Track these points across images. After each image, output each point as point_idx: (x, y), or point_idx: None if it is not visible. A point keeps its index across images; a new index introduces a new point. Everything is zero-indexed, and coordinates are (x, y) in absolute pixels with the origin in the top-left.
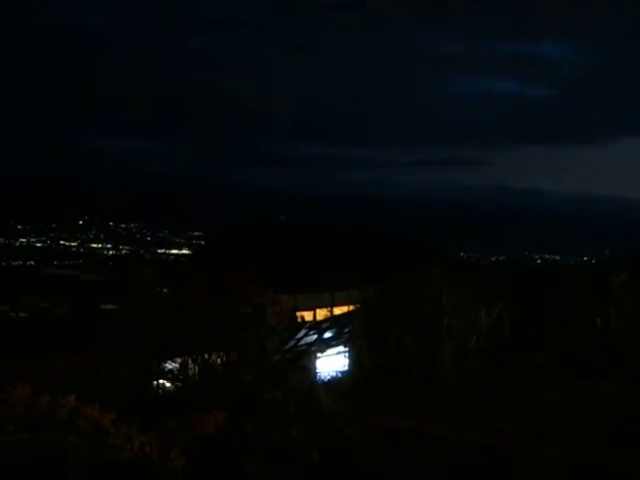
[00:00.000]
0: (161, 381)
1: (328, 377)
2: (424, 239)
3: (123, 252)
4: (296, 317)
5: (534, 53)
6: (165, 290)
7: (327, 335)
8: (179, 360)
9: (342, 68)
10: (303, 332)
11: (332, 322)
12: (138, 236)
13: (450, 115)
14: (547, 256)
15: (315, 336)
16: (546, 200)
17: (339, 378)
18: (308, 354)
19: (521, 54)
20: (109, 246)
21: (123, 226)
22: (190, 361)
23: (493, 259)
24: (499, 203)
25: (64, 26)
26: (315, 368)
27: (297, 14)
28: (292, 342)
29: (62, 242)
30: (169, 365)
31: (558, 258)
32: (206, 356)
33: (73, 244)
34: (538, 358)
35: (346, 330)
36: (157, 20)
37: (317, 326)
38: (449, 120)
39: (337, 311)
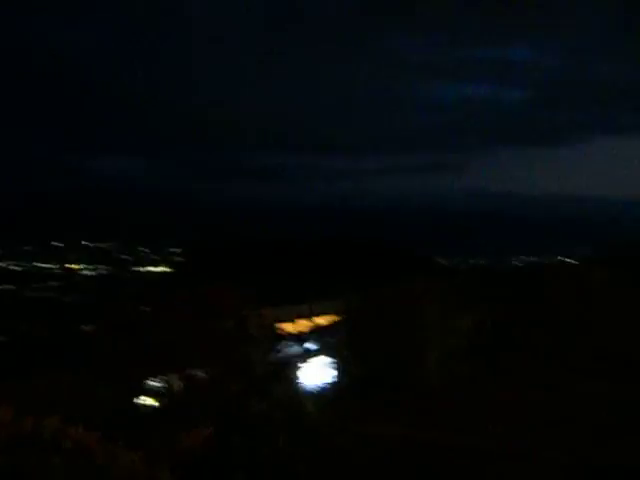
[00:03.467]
0: (146, 399)
1: (314, 388)
2: (406, 246)
3: (101, 272)
4: (277, 329)
5: (504, 57)
6: (146, 308)
7: (310, 346)
8: (163, 377)
9: (315, 79)
10: (285, 343)
11: (315, 333)
12: (115, 255)
13: (424, 121)
14: (525, 257)
15: (298, 347)
16: (523, 202)
17: (325, 388)
18: (292, 365)
19: (491, 59)
20: (87, 266)
21: (100, 245)
22: (174, 377)
23: (472, 262)
24: (479, 207)
25: (51, 46)
26: (299, 379)
27: (268, 29)
28: (275, 354)
29: (38, 264)
30: (153, 382)
31: (536, 259)
32: (190, 372)
33: (51, 266)
34: (521, 358)
35: (330, 340)
36: (136, 39)
37: (299, 337)
38: (424, 126)
39: (320, 321)
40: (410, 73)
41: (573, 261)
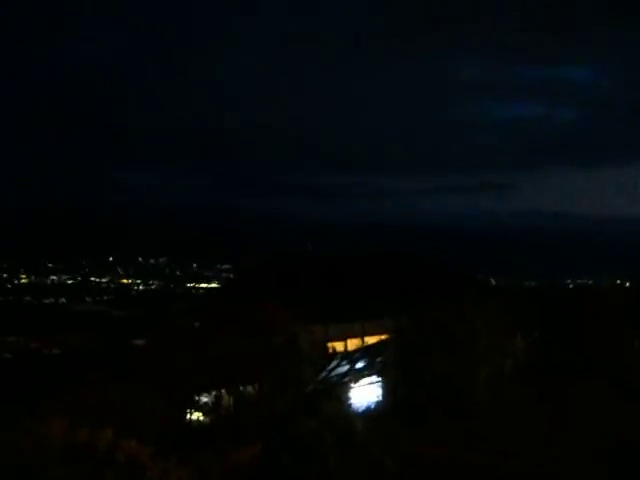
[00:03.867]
0: (196, 414)
1: (363, 407)
2: (456, 266)
3: (153, 287)
4: (327, 347)
5: (555, 76)
6: (197, 323)
7: (360, 365)
8: (213, 392)
9: (365, 96)
10: (335, 362)
11: (364, 352)
12: (167, 270)
13: (475, 140)
14: (579, 281)
15: (348, 366)
16: (578, 223)
17: (374, 408)
18: (342, 384)
19: (541, 78)
20: (138, 281)
21: (152, 261)
22: (224, 393)
23: (526, 284)
24: (530, 227)
25: (86, 63)
26: (349, 398)
27: (303, 44)
28: (325, 372)
29: (92, 278)
30: (204, 398)
31: (590, 282)
32: (240, 387)
33: (103, 280)
34: (575, 382)
35: (379, 360)
36: (173, 54)
37: (349, 356)
38: (474, 145)
39: (370, 340)
40: (460, 92)
41: (629, 284)
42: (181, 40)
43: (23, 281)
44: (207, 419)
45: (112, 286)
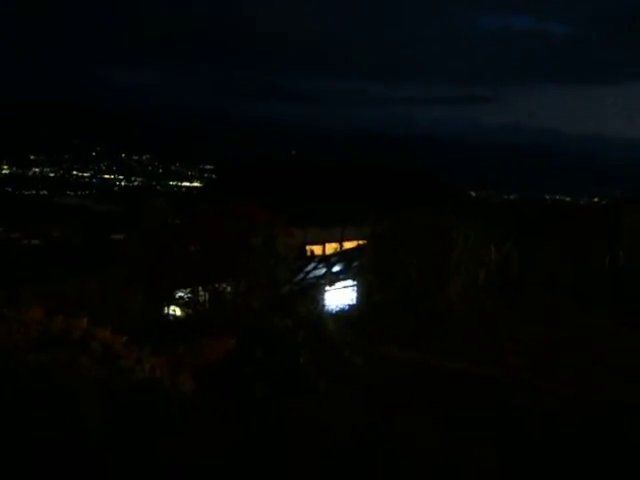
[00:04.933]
0: (173, 308)
1: (337, 309)
2: (438, 176)
3: (135, 183)
4: (306, 250)
5: None
6: (177, 221)
7: (336, 268)
8: (190, 288)
9: (356, 2)
10: (313, 265)
11: (341, 256)
12: (150, 168)
13: (466, 51)
14: (558, 197)
15: (324, 269)
16: (561, 141)
17: (347, 310)
18: (317, 286)
19: None
20: (121, 177)
21: (135, 158)
22: (201, 289)
23: (505, 197)
24: (514, 142)
25: None
26: (324, 300)
27: None
28: (302, 274)
29: (75, 172)
30: (180, 293)
31: (569, 199)
32: (217, 285)
33: (86, 175)
34: (545, 295)
35: (355, 264)
36: None
37: (326, 259)
38: (465, 56)
39: (348, 245)
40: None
41: (606, 202)
42: None
43: (5, 172)
44: (183, 314)
45: (94, 181)
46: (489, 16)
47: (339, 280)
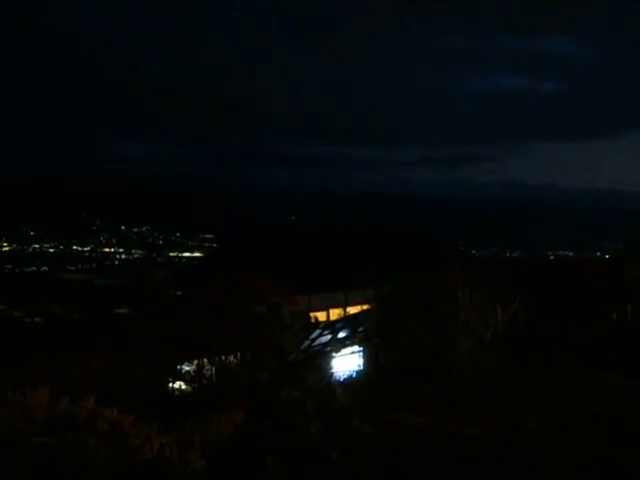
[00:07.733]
0: (178, 383)
1: (344, 376)
2: (439, 236)
3: (135, 256)
4: (310, 317)
5: (538, 49)
6: (179, 292)
7: (342, 335)
8: (195, 362)
9: (349, 68)
10: (318, 332)
11: (346, 321)
12: (150, 240)
13: (460, 112)
14: (560, 252)
15: (330, 336)
16: (560, 196)
17: (355, 377)
18: (323, 354)
19: (525, 50)
20: (121, 250)
21: (135, 230)
22: (206, 362)
23: (507, 255)
24: (513, 199)
25: (75, 30)
26: (331, 368)
27: (299, 13)
28: (307, 342)
29: (75, 247)
30: (186, 367)
31: (571, 254)
32: (222, 357)
33: (86, 249)
34: (553, 352)
35: (360, 329)
36: (163, 22)
37: (331, 326)
38: (460, 117)
39: (352, 310)
40: (446, 63)
41: (609, 256)
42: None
43: (5, 249)
44: (189, 388)
45: (94, 255)
46: (481, 79)
47: (345, 346)
